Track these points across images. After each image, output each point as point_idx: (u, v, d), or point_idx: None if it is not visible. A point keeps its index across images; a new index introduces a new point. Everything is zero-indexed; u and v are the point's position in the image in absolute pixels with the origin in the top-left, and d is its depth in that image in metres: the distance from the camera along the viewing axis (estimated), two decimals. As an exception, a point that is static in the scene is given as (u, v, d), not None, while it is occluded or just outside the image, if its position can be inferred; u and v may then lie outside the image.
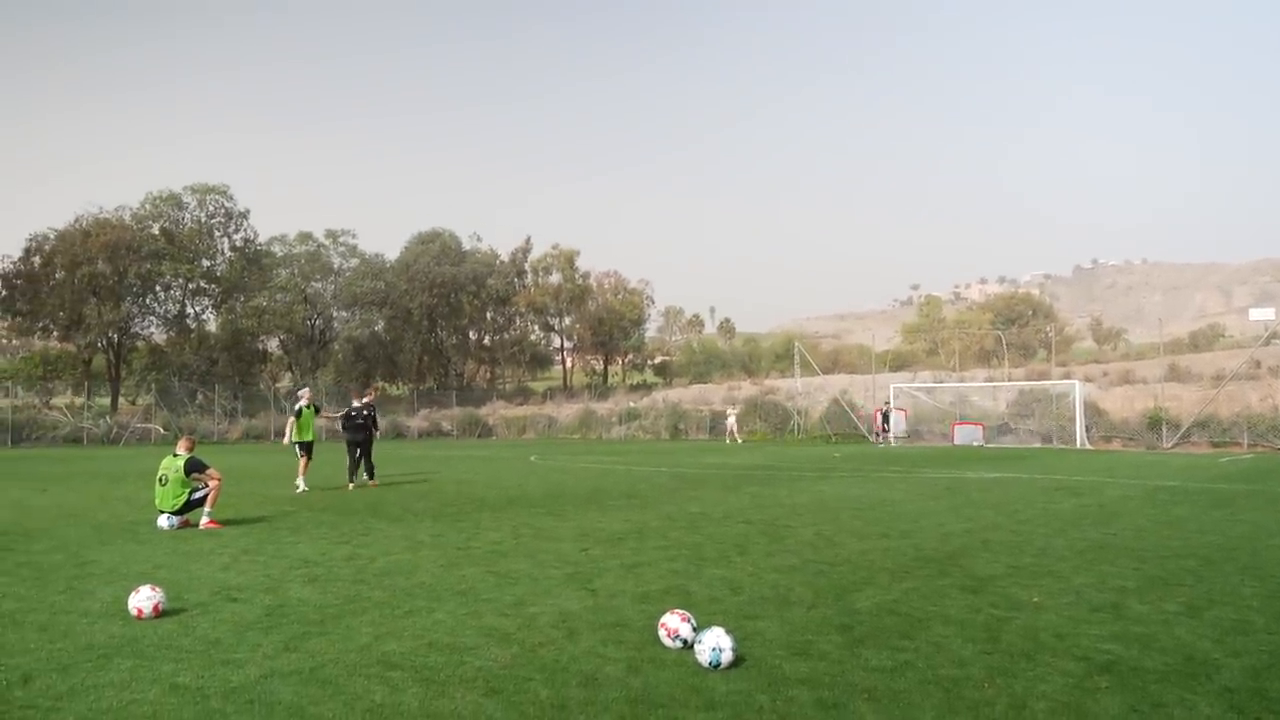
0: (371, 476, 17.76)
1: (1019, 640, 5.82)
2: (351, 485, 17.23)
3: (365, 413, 17.97)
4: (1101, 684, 4.94)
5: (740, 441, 41.66)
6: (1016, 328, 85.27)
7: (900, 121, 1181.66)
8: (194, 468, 11.53)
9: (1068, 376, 44.18)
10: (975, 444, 37.62)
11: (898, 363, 71.94)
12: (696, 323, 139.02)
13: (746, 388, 61.87)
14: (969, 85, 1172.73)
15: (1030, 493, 15.89)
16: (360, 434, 17.61)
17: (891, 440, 39.64)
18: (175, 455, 11.71)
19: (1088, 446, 35.54)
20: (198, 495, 11.59)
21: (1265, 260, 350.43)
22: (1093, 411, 38.40)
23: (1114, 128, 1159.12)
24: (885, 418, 40.64)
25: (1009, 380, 46.61)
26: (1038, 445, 36.94)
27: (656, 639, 5.72)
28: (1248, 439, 33.58)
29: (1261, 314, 48.21)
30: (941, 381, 49.98)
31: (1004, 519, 12.06)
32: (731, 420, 43.83)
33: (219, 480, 11.77)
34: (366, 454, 17.66)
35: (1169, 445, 34.45)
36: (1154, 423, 35.96)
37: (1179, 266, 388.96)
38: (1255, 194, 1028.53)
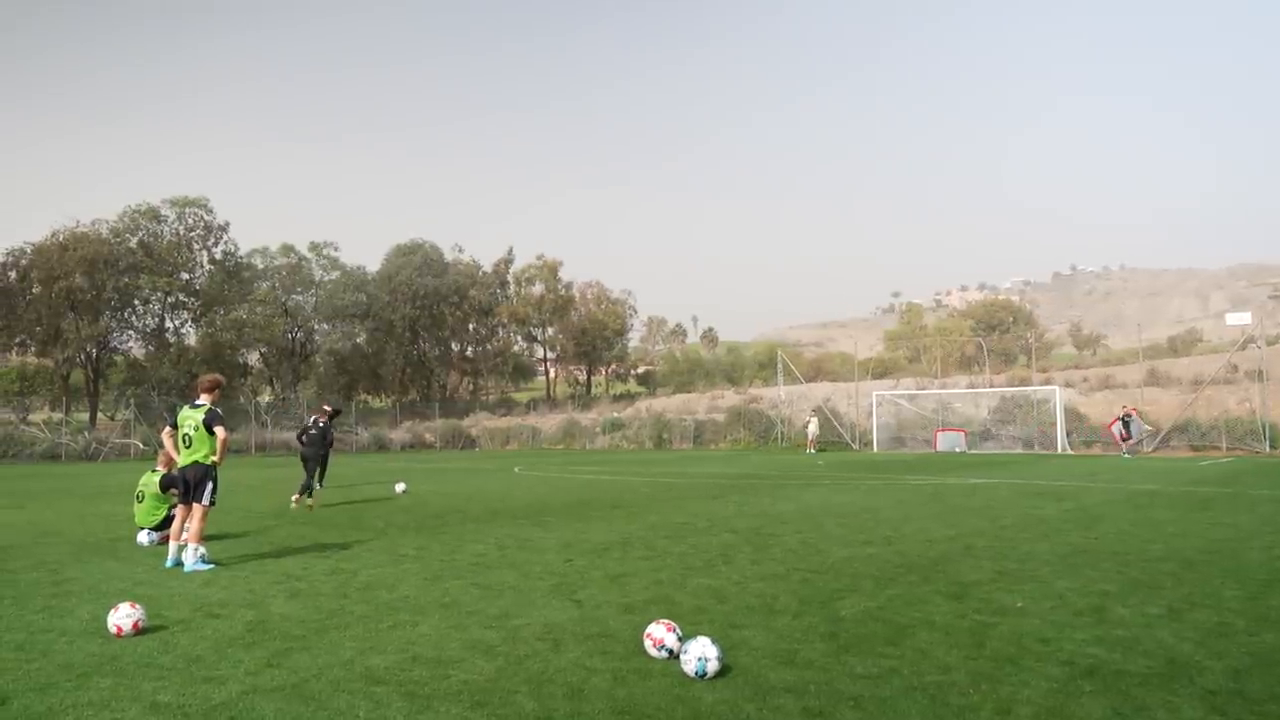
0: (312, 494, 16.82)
1: (1003, 645, 5.84)
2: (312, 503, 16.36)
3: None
4: (1085, 688, 4.97)
5: (816, 451, 39.01)
6: (997, 334, 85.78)
7: (883, 131, 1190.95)
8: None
9: (1048, 382, 44.45)
10: (958, 450, 37.82)
11: (880, 370, 72.15)
12: (679, 332, 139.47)
13: (730, 397, 61.97)
14: (951, 94, 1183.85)
15: (1013, 498, 15.98)
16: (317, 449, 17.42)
17: (1126, 451, 33.10)
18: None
19: (1069, 451, 35.80)
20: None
21: (1241, 265, 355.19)
22: (1073, 417, 38.69)
23: (1093, 135, 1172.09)
24: (1126, 424, 33.23)
25: (990, 387, 46.88)
26: (1019, 451, 37.17)
27: (642, 649, 5.70)
28: (1226, 442, 33.91)
29: (1238, 319, 48.86)
30: (924, 388, 50.25)
31: (987, 525, 12.11)
32: (813, 428, 40.76)
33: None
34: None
35: (1149, 449, 34.73)
36: (1134, 427, 36.26)
37: (1156, 272, 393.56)
38: (1230, 200, 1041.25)
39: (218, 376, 10.32)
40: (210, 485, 9.62)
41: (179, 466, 9.78)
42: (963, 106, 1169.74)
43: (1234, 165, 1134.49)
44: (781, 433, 45.70)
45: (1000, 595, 7.41)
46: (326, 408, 21.41)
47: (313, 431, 17.63)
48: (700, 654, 5.19)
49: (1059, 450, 36.05)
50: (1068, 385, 45.81)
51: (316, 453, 17.26)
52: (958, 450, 37.84)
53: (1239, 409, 36.28)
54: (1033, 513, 13.54)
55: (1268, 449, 32.66)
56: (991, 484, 19.37)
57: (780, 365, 50.95)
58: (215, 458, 9.64)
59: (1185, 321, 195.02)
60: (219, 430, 9.61)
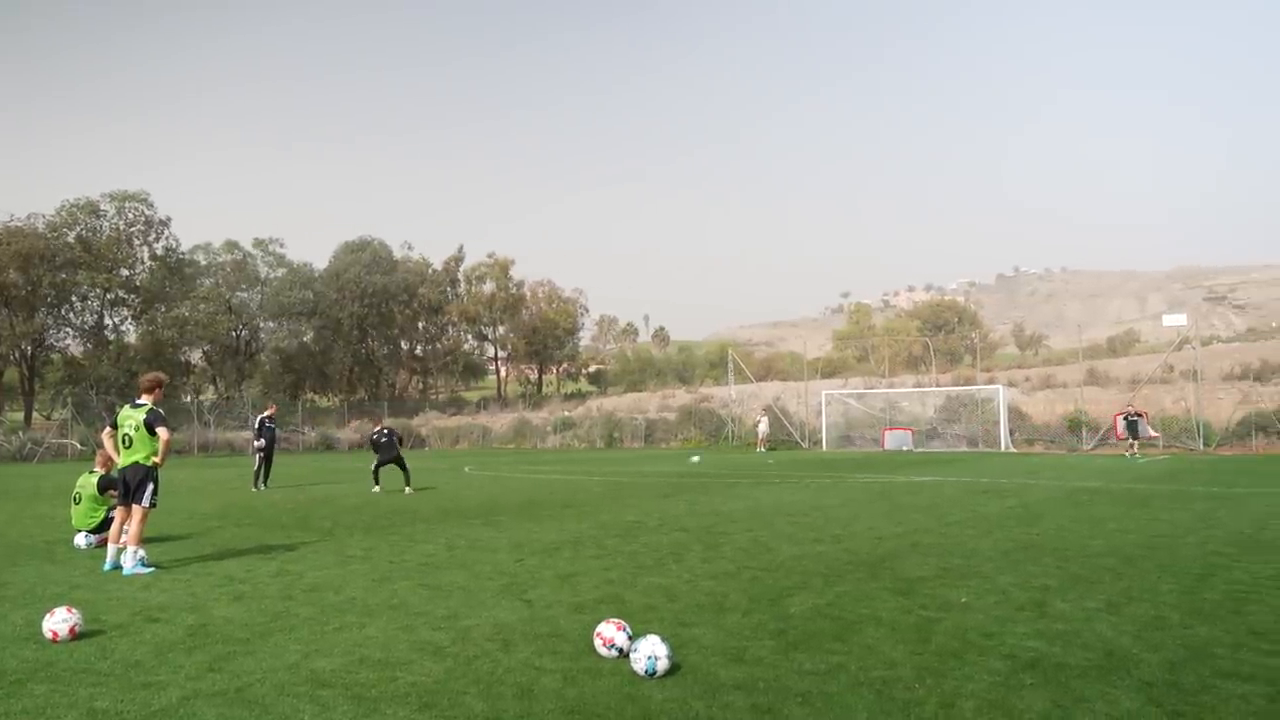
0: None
1: (948, 640, 5.94)
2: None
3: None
4: (1027, 681, 5.07)
5: (766, 450, 38.81)
6: (943, 334, 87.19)
7: (832, 132, 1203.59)
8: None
9: (992, 382, 45.26)
10: (905, 449, 38.34)
11: (829, 370, 72.92)
12: (631, 331, 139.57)
13: (681, 395, 62.16)
14: (897, 97, 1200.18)
15: (958, 496, 16.25)
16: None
17: (1136, 452, 30.60)
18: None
19: (1011, 450, 36.50)
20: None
21: (1178, 269, 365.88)
22: (1016, 415, 39.48)
23: (1036, 139, 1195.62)
24: (1132, 425, 30.80)
25: (936, 386, 47.62)
26: (964, 449, 37.81)
27: (592, 649, 5.70)
28: (1163, 440, 34.83)
29: (1174, 320, 50.26)
30: (872, 388, 50.86)
31: (933, 522, 12.30)
32: (763, 426, 40.58)
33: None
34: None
35: (1089, 447, 35.55)
36: (1074, 425, 37.11)
37: (1097, 274, 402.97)
38: (1169, 205, 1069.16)
39: (159, 375, 10.08)
40: (151, 487, 9.39)
41: (118, 467, 9.54)
42: (914, 111, 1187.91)
43: (1172, 171, 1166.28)
44: (732, 431, 45.94)
45: (945, 591, 7.54)
46: (272, 408, 21.63)
47: (384, 441, 19.59)
48: (650, 652, 5.20)
49: (1002, 448, 36.73)
50: (1010, 385, 46.77)
51: (396, 454, 19.38)
52: (905, 449, 38.37)
53: (1174, 408, 37.32)
54: (977, 510, 13.79)
55: (1201, 446, 33.62)
56: (937, 482, 19.68)
57: (731, 364, 51.21)
58: (156, 459, 9.41)
59: (1124, 322, 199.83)
60: (161, 431, 9.38)
